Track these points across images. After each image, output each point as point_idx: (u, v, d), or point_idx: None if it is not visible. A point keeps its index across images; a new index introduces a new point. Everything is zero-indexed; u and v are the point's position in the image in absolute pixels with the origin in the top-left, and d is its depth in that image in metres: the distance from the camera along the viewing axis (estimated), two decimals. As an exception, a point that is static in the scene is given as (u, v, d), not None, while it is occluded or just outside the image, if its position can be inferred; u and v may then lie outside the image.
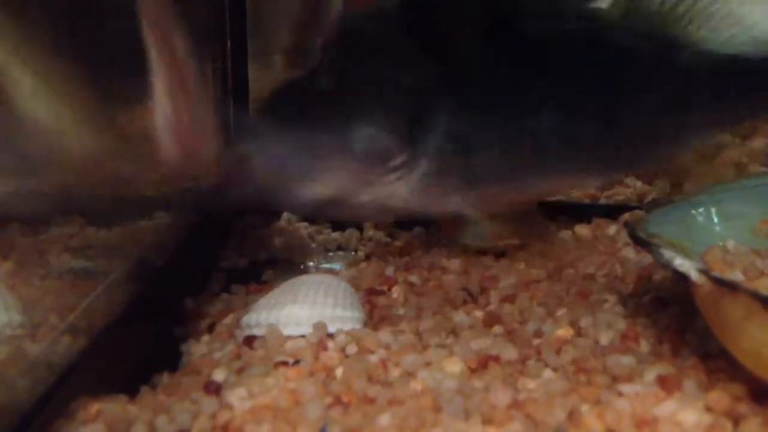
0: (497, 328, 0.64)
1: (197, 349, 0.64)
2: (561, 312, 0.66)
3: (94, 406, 0.52)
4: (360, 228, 0.91)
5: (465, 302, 0.70)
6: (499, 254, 0.80)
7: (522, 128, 0.76)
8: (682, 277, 0.53)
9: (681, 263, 0.53)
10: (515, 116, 0.76)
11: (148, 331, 0.67)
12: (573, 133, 0.77)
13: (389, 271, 0.78)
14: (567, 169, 0.80)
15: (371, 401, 0.53)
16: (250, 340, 0.62)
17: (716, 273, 0.55)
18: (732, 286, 0.49)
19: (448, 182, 0.76)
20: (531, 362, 0.58)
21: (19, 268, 0.59)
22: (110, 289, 0.63)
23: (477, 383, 0.55)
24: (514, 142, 0.76)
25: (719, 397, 0.51)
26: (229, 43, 0.92)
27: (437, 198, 0.77)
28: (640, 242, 0.59)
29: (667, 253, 0.55)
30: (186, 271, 0.77)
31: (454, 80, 0.76)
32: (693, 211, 0.66)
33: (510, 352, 0.59)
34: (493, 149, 0.76)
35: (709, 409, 0.50)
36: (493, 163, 0.76)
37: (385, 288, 0.74)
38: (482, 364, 0.58)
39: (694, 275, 0.52)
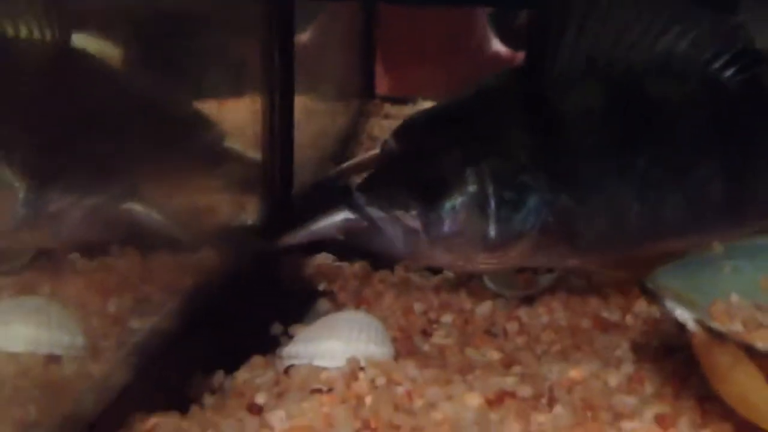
0: (516, 368, 0.70)
1: (240, 375, 0.70)
2: (576, 356, 0.72)
3: (151, 420, 0.58)
4: (392, 269, 0.95)
5: (487, 343, 0.76)
6: (529, 299, 0.84)
7: (640, 188, 0.75)
8: (682, 327, 0.59)
9: (680, 313, 0.59)
10: (632, 176, 0.75)
11: (197, 357, 0.73)
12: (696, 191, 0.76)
13: (418, 310, 0.83)
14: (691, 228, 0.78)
15: (396, 428, 0.59)
16: (288, 370, 0.69)
17: (716, 324, 0.60)
18: (721, 336, 0.55)
19: (563, 247, 0.76)
20: (544, 399, 0.63)
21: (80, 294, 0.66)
22: (165, 318, 0.70)
23: (493, 416, 0.61)
24: (631, 205, 0.75)
25: (710, 434, 0.56)
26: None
27: (552, 259, 0.78)
28: (648, 293, 0.64)
29: (670, 304, 0.60)
30: (235, 301, 0.83)
31: (567, 144, 0.76)
32: (704, 266, 0.71)
33: (525, 390, 0.64)
34: (612, 213, 0.75)
35: (700, 445, 0.56)
36: (612, 229, 0.76)
37: (413, 326, 0.79)
38: (499, 399, 0.63)
39: (690, 325, 0.57)
